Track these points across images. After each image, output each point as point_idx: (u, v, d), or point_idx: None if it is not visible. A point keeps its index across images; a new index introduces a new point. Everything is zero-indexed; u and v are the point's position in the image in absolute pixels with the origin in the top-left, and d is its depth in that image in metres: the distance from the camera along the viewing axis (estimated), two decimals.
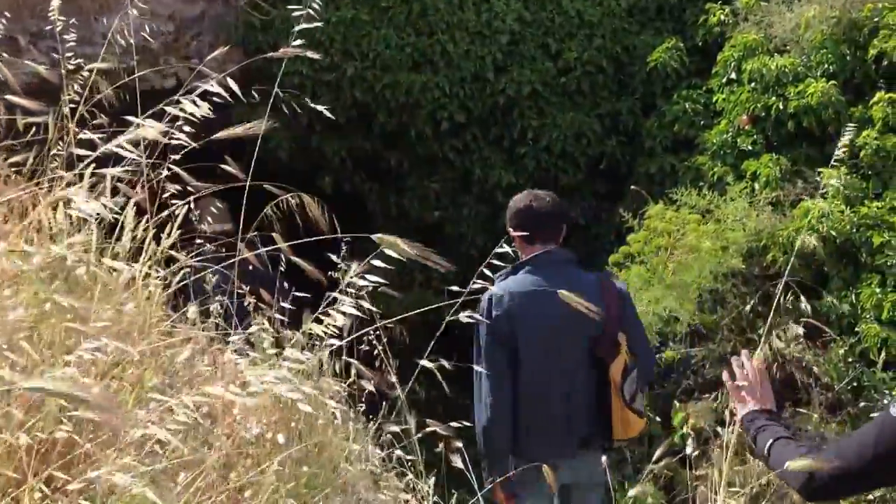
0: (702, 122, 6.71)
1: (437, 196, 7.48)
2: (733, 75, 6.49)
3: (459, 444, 3.56)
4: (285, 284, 3.63)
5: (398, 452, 3.60)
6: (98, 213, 2.51)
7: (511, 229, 3.94)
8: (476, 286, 3.00)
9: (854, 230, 5.21)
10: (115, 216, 2.81)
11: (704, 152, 6.43)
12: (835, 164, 3.53)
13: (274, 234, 2.98)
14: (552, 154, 7.24)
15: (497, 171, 7.28)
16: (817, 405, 5.21)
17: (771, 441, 2.40)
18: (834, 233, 5.26)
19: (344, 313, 2.93)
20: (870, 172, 5.51)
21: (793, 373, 5.46)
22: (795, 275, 5.47)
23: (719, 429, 5.75)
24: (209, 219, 4.23)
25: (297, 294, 3.46)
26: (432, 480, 3.68)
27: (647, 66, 7.18)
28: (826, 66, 6.07)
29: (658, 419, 5.72)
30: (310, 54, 3.09)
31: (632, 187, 6.24)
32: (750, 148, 6.14)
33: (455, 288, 2.97)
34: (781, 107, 5.98)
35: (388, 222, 7.58)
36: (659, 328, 5.38)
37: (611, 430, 3.90)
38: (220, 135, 2.75)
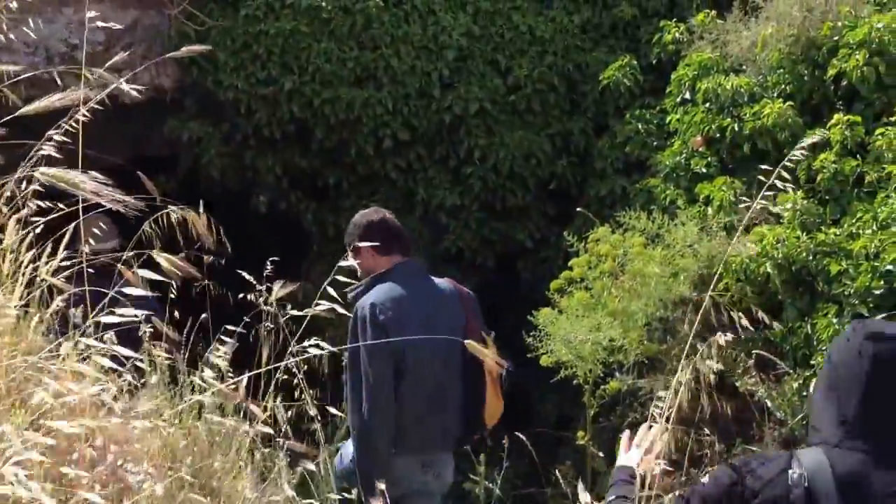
0: (655, 143, 6.42)
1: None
2: (687, 95, 6.21)
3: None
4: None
5: None
6: None
7: (363, 244, 3.98)
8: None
9: (810, 257, 4.91)
10: None
11: (657, 174, 6.13)
12: (784, 184, 3.23)
13: (157, 254, 2.69)
14: (500, 174, 6.91)
15: (441, 191, 6.94)
16: (770, 441, 4.89)
17: (612, 499, 2.53)
18: (788, 260, 4.96)
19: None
20: (827, 197, 5.22)
21: (744, 407, 5.15)
22: (749, 303, 5.18)
23: (667, 466, 5.42)
24: (91, 239, 3.88)
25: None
26: None
27: (599, 85, 6.90)
28: (783, 86, 5.81)
29: (601, 454, 5.38)
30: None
31: (578, 209, 5.91)
32: (704, 170, 5.85)
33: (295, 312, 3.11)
34: (737, 128, 5.69)
35: (326, 243, 7.22)
36: (602, 357, 5.05)
37: (482, 426, 4.10)
38: (31, 108, 2.45)
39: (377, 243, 3.96)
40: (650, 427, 2.67)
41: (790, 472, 2.17)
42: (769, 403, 4.99)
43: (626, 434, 2.75)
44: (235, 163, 7.02)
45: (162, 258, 2.70)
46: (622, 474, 2.59)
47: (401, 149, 7.00)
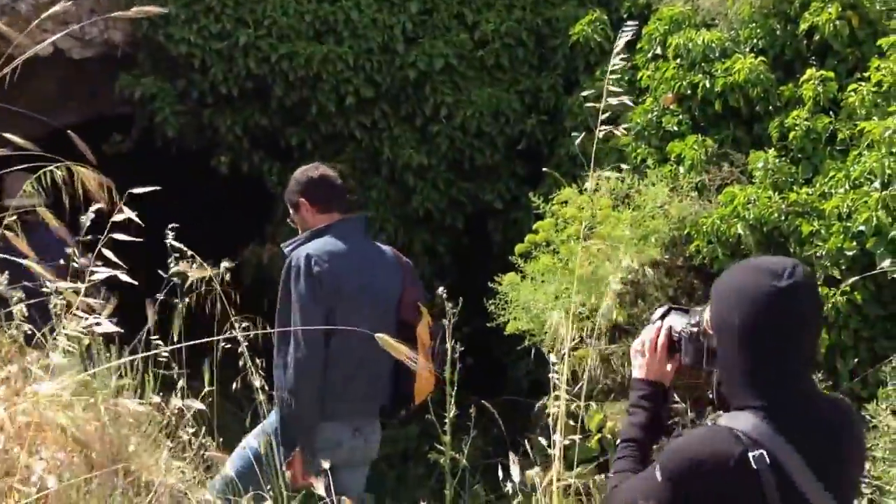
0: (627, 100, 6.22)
1: (343, 177, 6.89)
2: (658, 50, 6.01)
3: None
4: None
5: None
6: None
7: (303, 199, 3.95)
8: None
9: (782, 217, 4.76)
10: None
11: (628, 133, 5.95)
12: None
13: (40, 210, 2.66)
14: (467, 133, 6.72)
15: (407, 150, 6.73)
16: None
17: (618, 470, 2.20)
18: (760, 220, 4.81)
19: None
20: (799, 156, 5.07)
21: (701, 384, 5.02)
22: (719, 266, 5.04)
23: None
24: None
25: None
26: None
27: (569, 40, 6.68)
28: (755, 41, 5.62)
29: (571, 422, 5.25)
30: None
31: (544, 169, 5.73)
32: (675, 128, 5.67)
33: None
34: (708, 85, 5.51)
35: (286, 206, 6.99)
36: (573, 326, 4.90)
37: (411, 397, 3.98)
38: None
39: (317, 200, 3.91)
40: (662, 317, 2.28)
41: (750, 453, 1.87)
42: None
43: (636, 343, 2.36)
44: (193, 121, 6.78)
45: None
46: (635, 389, 2.27)
47: (364, 106, 6.78)
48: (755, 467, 1.86)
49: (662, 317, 2.28)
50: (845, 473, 1.99)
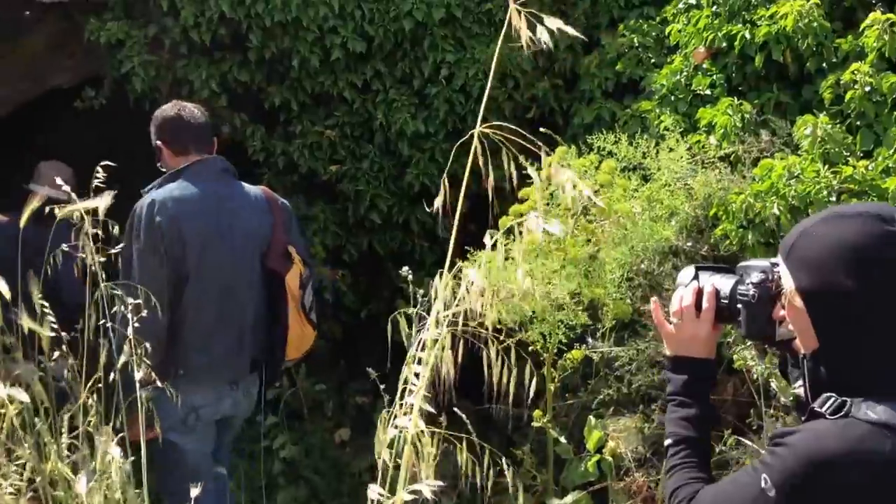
0: (652, 61, 5.29)
1: (333, 144, 6.05)
2: (692, 0, 5.07)
3: None
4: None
5: None
6: None
7: (159, 143, 3.78)
8: None
9: (832, 197, 3.80)
10: None
11: (652, 97, 5.02)
12: None
13: None
14: (469, 97, 5.82)
15: (402, 115, 5.85)
16: (769, 434, 3.82)
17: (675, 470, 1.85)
18: (805, 200, 3.85)
19: None
20: (858, 123, 4.09)
21: (740, 388, 4.08)
22: (752, 256, 4.10)
23: (645, 453, 4.38)
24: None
25: None
26: None
27: None
28: None
29: (563, 440, 4.33)
30: None
31: (546, 135, 4.78)
32: (708, 91, 4.73)
33: None
34: (748, 36, 4.55)
35: (276, 175, 6.19)
36: (562, 318, 3.98)
37: (283, 348, 3.80)
38: None
39: (173, 141, 3.74)
40: (695, 276, 1.96)
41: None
42: (772, 384, 3.91)
43: (654, 302, 2.04)
44: (165, 74, 5.98)
45: None
46: (678, 371, 1.93)
47: (355, 63, 5.93)
48: None
49: (694, 277, 1.96)
50: None
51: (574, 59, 5.77)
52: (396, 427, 1.81)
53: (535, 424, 4.20)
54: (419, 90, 5.92)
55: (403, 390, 1.89)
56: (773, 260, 1.82)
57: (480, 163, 2.03)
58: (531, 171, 2.52)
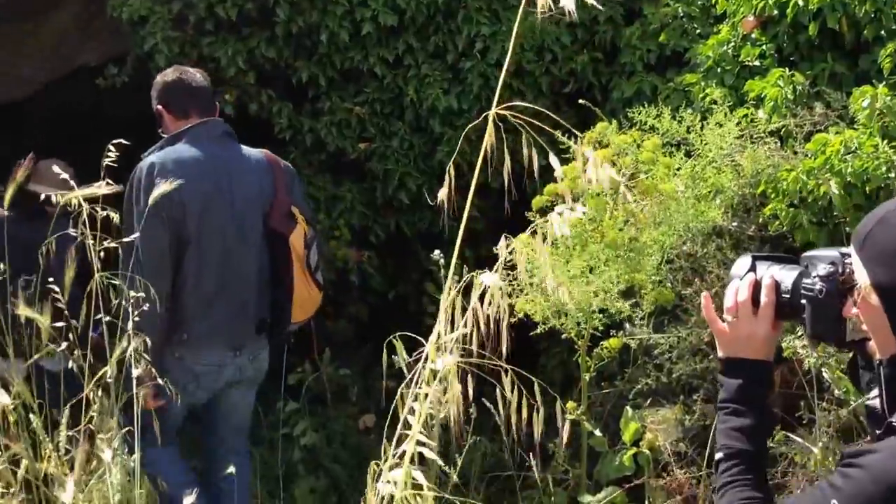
0: (697, 31, 5.01)
1: (362, 122, 5.83)
2: None
3: None
4: None
5: None
6: None
7: (160, 107, 3.77)
8: None
9: (892, 173, 3.51)
10: None
11: (696, 69, 4.73)
12: None
13: None
14: (505, 71, 5.54)
15: (434, 91, 5.61)
16: (822, 430, 3.55)
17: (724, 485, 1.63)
18: (861, 177, 3.57)
19: None
20: None
21: (790, 379, 3.81)
22: (804, 237, 3.83)
23: (686, 448, 4.13)
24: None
25: None
26: None
27: None
28: None
29: (598, 432, 4.09)
30: None
31: (585, 107, 4.51)
32: (757, 63, 4.44)
33: None
34: (801, 3, 4.25)
35: (304, 153, 5.98)
36: (599, 305, 3.73)
37: (288, 310, 3.77)
38: None
39: (174, 105, 3.72)
40: (752, 266, 1.74)
41: None
42: (825, 375, 3.64)
43: (706, 296, 1.81)
44: (190, 51, 5.79)
45: None
46: (731, 375, 1.71)
47: (386, 37, 5.70)
48: None
49: (751, 269, 1.74)
50: None
51: (615, 31, 5.49)
52: (389, 482, 1.57)
53: (567, 417, 3.95)
54: (452, 65, 5.67)
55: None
56: (844, 250, 1.59)
57: (493, 147, 1.81)
58: (553, 159, 2.31)
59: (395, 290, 6.07)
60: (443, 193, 1.73)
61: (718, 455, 1.71)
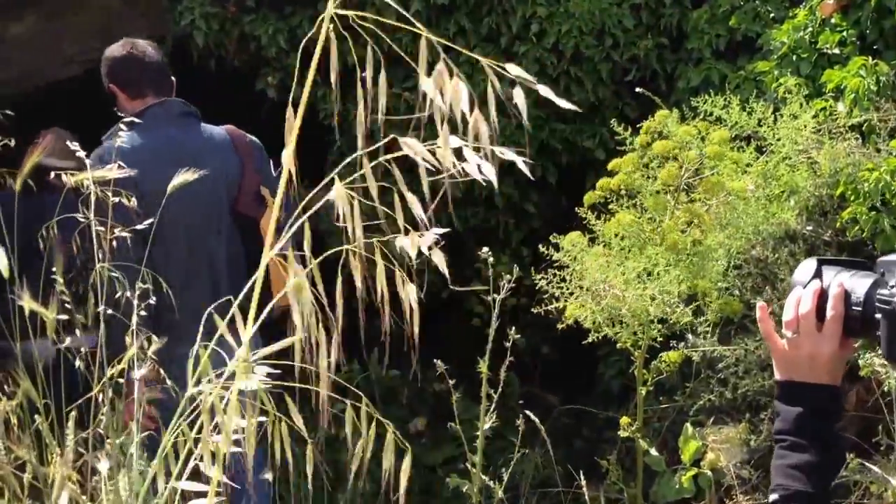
0: (771, 15, 4.64)
1: (410, 108, 5.54)
2: None
3: None
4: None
5: None
6: None
7: (112, 86, 3.62)
8: None
9: None
10: None
11: (770, 56, 4.37)
12: None
13: None
14: (562, 57, 5.23)
15: (485, 77, 5.28)
16: None
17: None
18: None
19: None
20: None
21: (866, 400, 3.47)
22: (886, 244, 3.48)
23: (750, 472, 3.80)
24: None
25: None
26: None
27: None
28: None
29: (654, 450, 3.77)
30: None
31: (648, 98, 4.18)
32: (836, 50, 4.08)
33: None
34: None
35: (349, 139, 5.71)
36: (658, 314, 3.41)
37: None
38: None
39: (126, 83, 3.57)
40: (817, 272, 1.49)
41: None
42: None
43: (761, 306, 1.57)
44: (231, 29, 5.57)
45: None
46: (789, 402, 1.49)
47: (437, 18, 5.40)
48: None
49: (816, 275, 1.49)
50: None
51: (682, 14, 5.12)
52: None
53: (622, 434, 3.64)
54: (506, 48, 5.36)
55: None
56: None
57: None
58: (382, 76, 1.99)
59: (449, 289, 5.79)
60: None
61: (773, 497, 1.49)
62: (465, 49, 5.08)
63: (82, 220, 2.88)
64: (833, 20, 4.13)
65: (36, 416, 2.77)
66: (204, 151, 3.54)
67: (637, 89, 3.86)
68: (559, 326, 3.38)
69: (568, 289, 3.32)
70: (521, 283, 3.52)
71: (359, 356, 5.58)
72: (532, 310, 3.44)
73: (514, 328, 3.39)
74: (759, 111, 3.61)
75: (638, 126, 3.62)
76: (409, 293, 1.33)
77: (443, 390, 5.58)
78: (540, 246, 3.61)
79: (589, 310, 3.38)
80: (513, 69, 1.27)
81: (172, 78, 3.72)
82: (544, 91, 1.23)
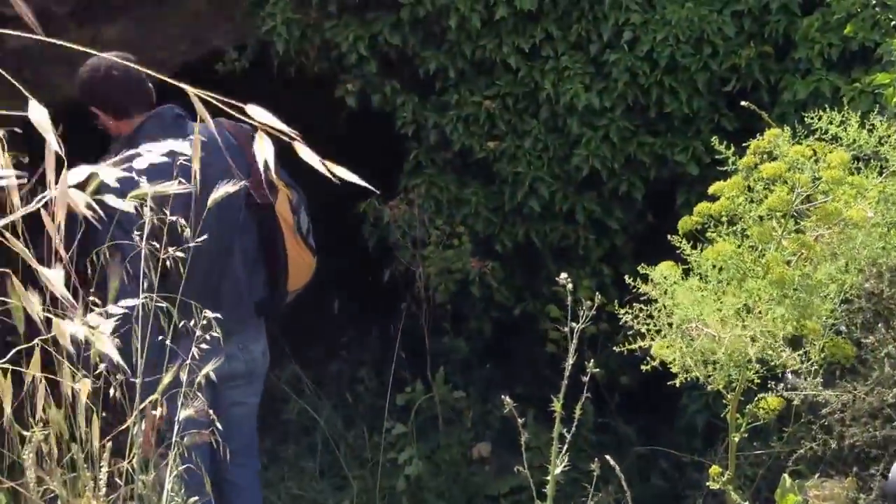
0: (892, 23, 4.20)
1: (491, 118, 5.23)
2: None
3: None
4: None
5: None
6: None
7: (94, 110, 3.53)
8: None
9: None
10: None
11: (889, 68, 3.94)
12: None
13: None
14: (655, 66, 4.86)
15: (574, 86, 4.96)
16: None
17: None
18: None
19: None
20: None
21: None
22: None
23: None
24: None
25: None
26: None
27: None
28: None
29: (747, 502, 3.38)
30: None
31: (751, 110, 3.77)
32: None
33: None
34: None
35: (426, 151, 5.45)
36: (760, 354, 3.02)
37: (284, 282, 3.68)
38: None
39: (110, 108, 3.48)
40: None
41: None
42: None
43: None
44: (312, 35, 5.35)
45: None
46: None
47: (523, 24, 5.09)
48: None
49: None
50: None
51: (789, 22, 4.70)
52: None
53: (710, 485, 3.26)
54: (595, 57, 5.01)
55: None
56: None
57: None
58: None
59: (522, 307, 5.46)
60: None
61: None
62: (552, 56, 4.69)
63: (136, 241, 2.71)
64: None
65: (72, 445, 2.55)
66: (212, 149, 3.39)
67: (742, 103, 3.47)
68: (643, 368, 3.02)
69: (655, 325, 2.96)
70: (601, 308, 3.19)
71: (422, 375, 5.31)
72: (615, 348, 3.08)
73: (592, 360, 3.05)
74: (880, 129, 3.20)
75: (742, 144, 3.25)
76: None
77: (512, 413, 5.27)
78: (626, 277, 3.25)
79: (678, 350, 3.01)
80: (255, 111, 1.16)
81: (150, 84, 3.58)
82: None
